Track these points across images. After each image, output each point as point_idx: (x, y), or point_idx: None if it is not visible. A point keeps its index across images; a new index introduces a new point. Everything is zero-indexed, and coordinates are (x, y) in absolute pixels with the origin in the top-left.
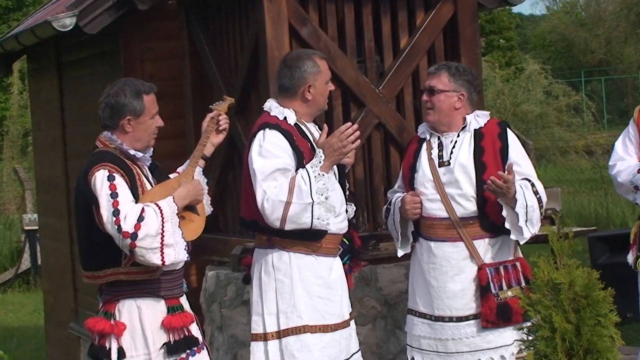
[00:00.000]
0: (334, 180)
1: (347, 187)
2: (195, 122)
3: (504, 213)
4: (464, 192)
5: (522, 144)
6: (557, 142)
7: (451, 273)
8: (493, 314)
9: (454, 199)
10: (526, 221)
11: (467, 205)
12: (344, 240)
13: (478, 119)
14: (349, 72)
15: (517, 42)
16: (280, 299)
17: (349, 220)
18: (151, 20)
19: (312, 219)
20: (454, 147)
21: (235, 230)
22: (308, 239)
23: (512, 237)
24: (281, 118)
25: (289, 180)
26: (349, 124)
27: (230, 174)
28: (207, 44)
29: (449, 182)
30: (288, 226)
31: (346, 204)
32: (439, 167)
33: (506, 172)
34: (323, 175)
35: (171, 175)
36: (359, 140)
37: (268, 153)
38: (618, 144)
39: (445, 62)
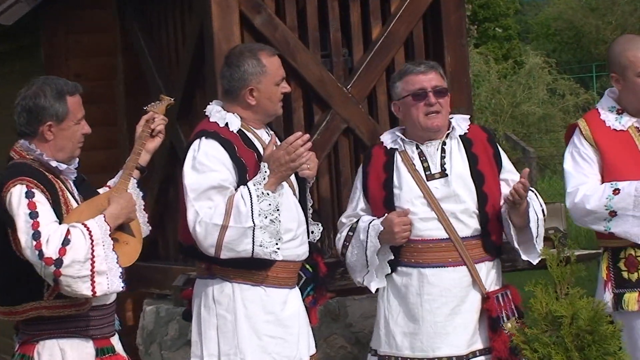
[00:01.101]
0: (288, 198)
1: (309, 205)
2: (130, 129)
3: (511, 230)
4: (467, 207)
5: (522, 152)
6: (563, 149)
7: (452, 304)
8: (506, 349)
9: (456, 217)
10: (537, 237)
11: (470, 223)
12: (307, 267)
13: (460, 123)
14: (311, 68)
15: (517, 31)
16: (222, 339)
17: (313, 244)
18: (77, 9)
19: (253, 246)
20: (443, 156)
21: (177, 258)
22: (253, 268)
23: (524, 257)
24: (222, 124)
25: (227, 199)
26: (299, 133)
27: (172, 190)
28: (144, 36)
29: (446, 196)
30: (224, 254)
31: (309, 225)
32: (428, 180)
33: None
34: (268, 194)
35: (100, 191)
36: (312, 153)
37: (202, 167)
38: (569, 167)
39: (424, 60)
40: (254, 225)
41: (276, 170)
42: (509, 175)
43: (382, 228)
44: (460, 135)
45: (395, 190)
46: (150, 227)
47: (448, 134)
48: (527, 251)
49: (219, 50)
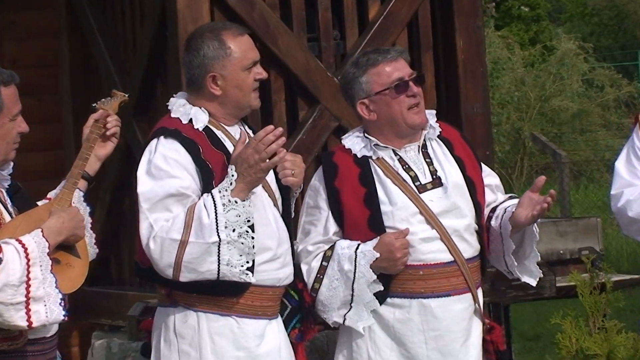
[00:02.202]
0: (266, 210)
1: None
2: (76, 127)
3: (508, 248)
4: (469, 222)
5: (552, 156)
6: (602, 152)
7: (462, 339)
8: None
9: (459, 235)
10: (533, 253)
11: (472, 241)
12: (292, 294)
13: (431, 120)
14: (295, 54)
15: (547, 10)
16: None
17: (297, 267)
18: None
19: (218, 266)
20: (428, 162)
21: (134, 282)
22: (222, 293)
23: (525, 279)
24: (185, 121)
25: (187, 210)
26: (270, 127)
27: (127, 200)
28: (94, 15)
29: (446, 210)
30: (185, 276)
31: (293, 243)
32: (419, 192)
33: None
34: (236, 202)
35: (40, 203)
36: (284, 151)
37: (159, 172)
38: (620, 165)
39: (378, 46)
40: (219, 240)
41: (245, 173)
42: (491, 180)
43: (377, 254)
44: (437, 136)
45: (384, 207)
46: (97, 250)
47: (424, 134)
48: (523, 271)
49: (184, 32)
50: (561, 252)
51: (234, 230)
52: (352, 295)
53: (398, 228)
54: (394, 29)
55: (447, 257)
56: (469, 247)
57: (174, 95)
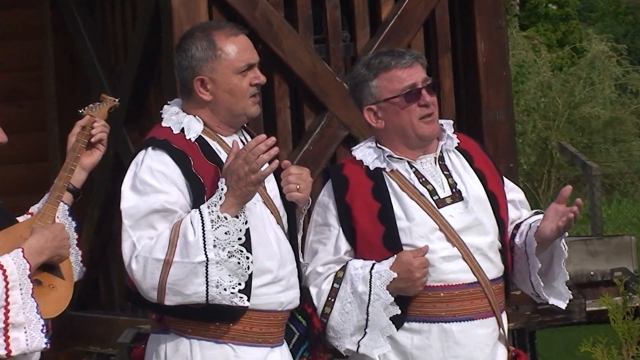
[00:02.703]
0: (266, 228)
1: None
2: (62, 136)
3: (534, 268)
4: (493, 240)
5: (582, 168)
6: (637, 164)
7: None
8: None
9: (483, 253)
10: (561, 274)
11: (497, 261)
12: (300, 319)
13: (449, 130)
14: (301, 56)
15: (576, 9)
16: None
17: (307, 290)
18: None
19: (207, 288)
20: (446, 174)
21: (125, 306)
22: (217, 318)
23: (553, 302)
24: (176, 131)
25: (172, 227)
26: (262, 136)
27: (118, 217)
28: (82, 14)
29: (467, 227)
30: (170, 299)
31: (300, 264)
32: (438, 207)
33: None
34: (225, 218)
35: (20, 219)
36: (305, 169)
37: (145, 187)
38: None
39: (392, 48)
40: (207, 260)
41: (234, 186)
42: (515, 195)
43: (394, 275)
44: (455, 147)
45: (401, 223)
46: (84, 268)
47: (442, 145)
48: (550, 293)
49: (179, 33)
50: (592, 273)
51: (223, 249)
52: (367, 320)
53: (416, 246)
54: (409, 29)
55: (469, 277)
56: (493, 267)
57: (169, 102)
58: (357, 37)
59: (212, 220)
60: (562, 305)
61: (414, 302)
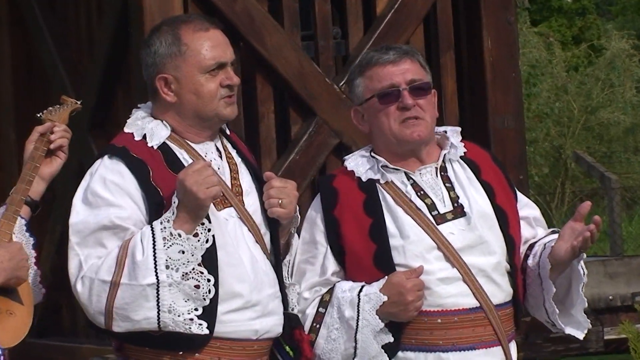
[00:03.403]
0: (238, 246)
1: (289, 259)
2: (19, 143)
3: (549, 293)
4: (499, 260)
5: (600, 180)
6: None
7: None
8: None
9: (487, 275)
10: (580, 300)
11: (503, 284)
12: (286, 349)
13: (454, 138)
14: (286, 55)
15: (594, 2)
16: None
17: (293, 316)
18: None
19: (158, 313)
20: (448, 186)
21: (90, 333)
22: (176, 348)
23: (569, 331)
24: (138, 137)
25: (121, 245)
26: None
27: None
28: (41, 8)
29: (470, 245)
30: (118, 325)
31: (284, 287)
32: (437, 223)
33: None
34: (179, 235)
35: None
36: (290, 182)
37: (96, 199)
38: None
39: (401, 45)
40: (158, 282)
41: (184, 200)
42: (529, 212)
43: (384, 298)
44: (460, 157)
45: (394, 241)
46: (44, 290)
47: (444, 155)
48: (566, 321)
49: (150, 28)
50: (610, 297)
51: (177, 270)
52: (356, 348)
53: (410, 266)
54: (407, 25)
55: (471, 302)
56: (499, 291)
57: (139, 105)
58: (349, 33)
59: (164, 238)
60: (580, 335)
61: (408, 328)
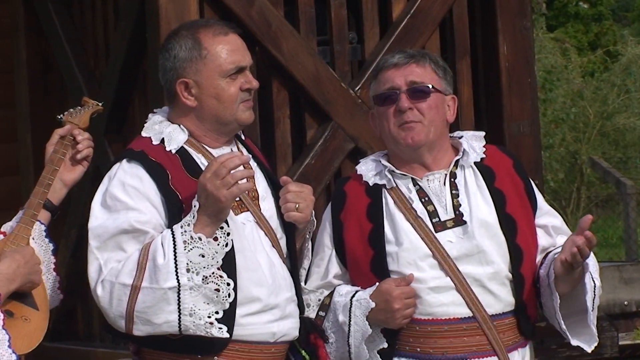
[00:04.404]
0: (255, 251)
1: (305, 263)
2: (36, 147)
3: (555, 303)
4: (498, 270)
5: (616, 186)
6: None
7: None
8: None
9: (482, 285)
10: (592, 311)
11: (501, 294)
12: (302, 353)
13: (473, 143)
14: (302, 60)
15: (610, 8)
16: None
17: (309, 321)
18: None
19: (179, 317)
20: (455, 194)
21: (105, 337)
22: (195, 351)
23: (575, 342)
24: (156, 141)
25: (141, 248)
26: (237, 152)
27: None
28: (58, 13)
29: (466, 254)
30: (138, 329)
31: (300, 292)
32: (437, 231)
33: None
34: (200, 239)
35: None
36: (306, 187)
37: (115, 203)
38: None
39: (416, 49)
40: (179, 285)
41: (205, 203)
42: (548, 220)
43: (372, 304)
44: (476, 163)
45: (390, 248)
46: (61, 296)
47: (457, 161)
48: (578, 332)
49: (167, 33)
50: (625, 303)
51: (197, 273)
52: (350, 352)
53: (403, 273)
54: (423, 30)
55: (463, 311)
56: (496, 301)
57: (155, 110)
58: (365, 38)
59: (184, 242)
60: (587, 348)
61: (402, 335)
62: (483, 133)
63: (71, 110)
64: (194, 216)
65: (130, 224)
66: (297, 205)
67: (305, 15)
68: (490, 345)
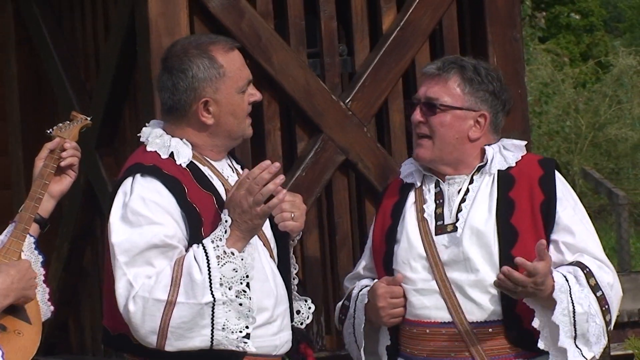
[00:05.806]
0: (262, 261)
1: (293, 272)
2: (27, 161)
3: (536, 323)
4: (480, 278)
5: (607, 197)
6: None
7: None
8: None
9: (463, 292)
10: (575, 337)
11: (483, 303)
12: None
13: (506, 153)
14: (293, 72)
15: (602, 19)
16: None
17: (299, 330)
18: None
19: (212, 332)
20: (463, 200)
21: (97, 350)
22: None
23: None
24: (164, 155)
25: (173, 264)
26: (265, 162)
27: (89, 250)
28: (48, 27)
29: (454, 260)
30: (171, 344)
31: (292, 301)
32: (437, 234)
33: (537, 257)
34: (232, 254)
35: None
36: (297, 196)
37: (138, 218)
38: None
39: (453, 56)
40: (214, 300)
41: (239, 219)
42: (562, 237)
43: (366, 300)
44: (500, 170)
45: (395, 246)
46: (52, 308)
47: (480, 167)
48: (557, 353)
49: (157, 47)
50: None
51: (230, 288)
52: (357, 344)
53: (401, 272)
54: (413, 42)
55: (444, 316)
56: (478, 309)
57: (147, 123)
58: (355, 50)
59: (218, 257)
60: None
61: (401, 335)
62: (524, 142)
63: (60, 124)
64: (226, 231)
65: (160, 238)
66: (292, 215)
67: (295, 28)
68: (469, 352)
